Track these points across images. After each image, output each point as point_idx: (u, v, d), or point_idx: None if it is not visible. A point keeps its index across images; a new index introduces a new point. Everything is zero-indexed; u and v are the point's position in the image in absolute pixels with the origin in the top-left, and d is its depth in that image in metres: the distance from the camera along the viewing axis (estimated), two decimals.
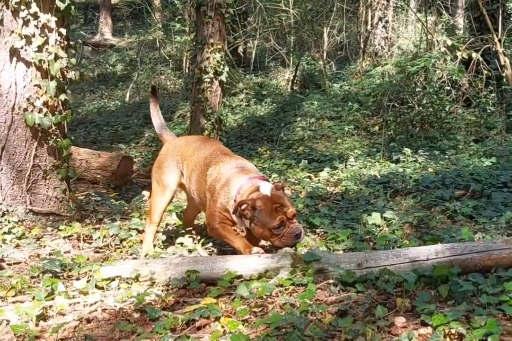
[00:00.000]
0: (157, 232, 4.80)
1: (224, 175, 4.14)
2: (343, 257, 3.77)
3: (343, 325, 2.94)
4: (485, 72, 11.64)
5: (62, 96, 5.23)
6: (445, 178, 6.83)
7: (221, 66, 8.18)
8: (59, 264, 3.93)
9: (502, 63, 11.96)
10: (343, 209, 5.90)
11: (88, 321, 3.27)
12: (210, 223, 4.18)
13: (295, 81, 16.14)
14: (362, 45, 16.19)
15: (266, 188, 3.91)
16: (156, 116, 4.93)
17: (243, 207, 3.85)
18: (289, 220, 3.87)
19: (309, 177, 7.70)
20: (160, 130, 4.91)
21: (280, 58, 17.14)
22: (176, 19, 15.97)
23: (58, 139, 5.25)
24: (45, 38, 5.06)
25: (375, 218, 5.21)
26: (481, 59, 11.79)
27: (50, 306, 3.39)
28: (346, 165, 8.25)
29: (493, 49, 12.09)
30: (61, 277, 3.87)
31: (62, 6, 5.03)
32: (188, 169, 4.44)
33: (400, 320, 2.98)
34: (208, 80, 8.16)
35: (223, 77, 8.22)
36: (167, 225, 5.41)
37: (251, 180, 4.02)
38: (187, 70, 15.92)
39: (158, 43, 17.85)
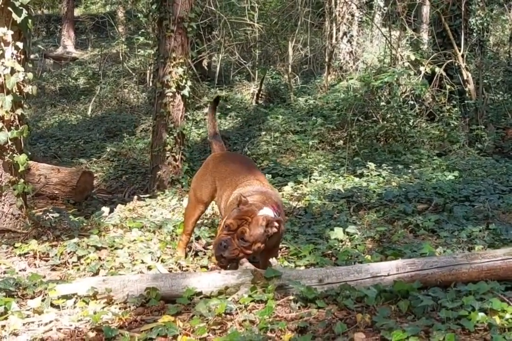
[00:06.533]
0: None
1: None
2: (304, 273, 3.74)
3: None
4: (448, 86, 11.78)
5: (19, 111, 5.11)
6: (408, 192, 6.86)
7: (184, 81, 8.13)
8: (13, 282, 3.82)
9: (465, 78, 12.12)
10: (306, 223, 5.88)
11: None
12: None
13: (260, 95, 16.18)
14: (327, 59, 16.30)
15: (266, 211, 3.95)
16: (211, 124, 5.17)
17: (239, 197, 3.95)
18: (233, 233, 3.85)
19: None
20: (211, 138, 5.15)
21: (245, 72, 17.18)
22: (140, 32, 15.91)
23: (15, 154, 5.13)
24: (1, 51, 4.95)
25: (337, 232, 5.19)
26: (444, 74, 11.94)
27: (3, 326, 3.28)
28: (310, 179, 8.23)
29: (456, 64, 12.25)
30: (15, 296, 3.75)
31: (18, 19, 4.93)
32: (222, 189, 4.52)
33: (359, 336, 2.96)
34: (171, 94, 8.10)
35: (185, 92, 8.16)
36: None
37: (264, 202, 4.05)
38: (150, 84, 15.85)
39: (121, 57, 17.76)
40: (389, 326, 2.99)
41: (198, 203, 4.75)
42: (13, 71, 5.02)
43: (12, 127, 5.11)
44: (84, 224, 5.67)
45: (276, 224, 3.88)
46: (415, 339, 2.82)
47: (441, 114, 11.93)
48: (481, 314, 3.05)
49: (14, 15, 4.93)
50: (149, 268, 4.49)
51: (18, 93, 5.10)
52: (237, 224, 3.84)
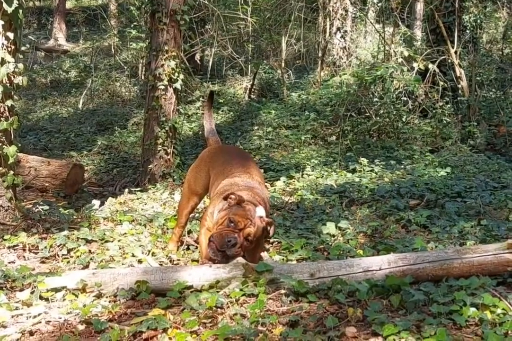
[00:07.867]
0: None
1: (230, 186, 4.19)
2: (295, 267, 3.73)
3: (293, 336, 2.90)
4: (441, 83, 11.76)
5: (9, 102, 5.06)
6: (401, 187, 6.87)
7: (176, 74, 8.08)
8: (2, 274, 3.81)
9: (458, 74, 12.12)
10: (298, 218, 5.88)
11: (31, 333, 3.16)
12: (200, 227, 4.28)
13: (252, 89, 16.13)
14: (320, 55, 16.26)
15: (260, 211, 3.96)
16: (208, 121, 5.11)
17: (233, 196, 3.92)
18: (239, 231, 3.81)
19: (265, 186, 7.63)
20: (208, 134, 5.10)
21: (238, 66, 17.10)
22: (132, 25, 15.83)
23: (4, 146, 5.08)
24: None
25: (329, 227, 5.18)
26: (437, 70, 11.91)
27: None
28: (302, 174, 8.22)
29: (449, 60, 12.24)
30: (4, 288, 3.74)
31: (9, 9, 4.88)
32: (214, 178, 4.55)
33: (351, 330, 2.96)
34: (163, 87, 8.05)
35: (177, 85, 8.12)
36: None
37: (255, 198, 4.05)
38: (142, 77, 15.78)
39: (113, 50, 17.68)
40: (381, 320, 2.98)
41: (192, 195, 4.76)
42: (3, 61, 4.98)
43: (2, 119, 5.07)
44: (74, 217, 5.64)
45: (269, 228, 3.96)
46: (406, 333, 2.82)
47: (433, 111, 11.91)
48: (473, 309, 3.05)
49: (4, 5, 4.88)
50: (139, 261, 4.48)
51: (8, 84, 5.06)
52: (244, 223, 3.82)
